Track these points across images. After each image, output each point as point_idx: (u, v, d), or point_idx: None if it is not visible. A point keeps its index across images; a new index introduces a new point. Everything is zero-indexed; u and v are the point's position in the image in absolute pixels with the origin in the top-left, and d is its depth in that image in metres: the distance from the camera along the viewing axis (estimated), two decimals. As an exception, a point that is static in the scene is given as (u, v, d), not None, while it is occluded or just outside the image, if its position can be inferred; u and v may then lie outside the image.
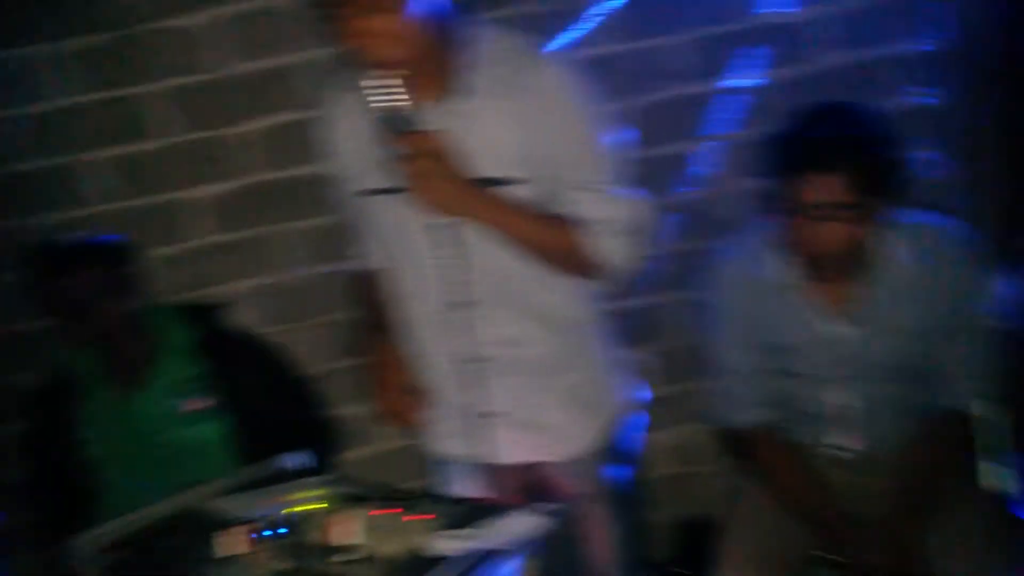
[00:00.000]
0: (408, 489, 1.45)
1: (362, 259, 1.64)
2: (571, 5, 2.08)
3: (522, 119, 1.34)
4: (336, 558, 1.17)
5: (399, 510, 1.26)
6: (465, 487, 1.55)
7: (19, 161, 2.10)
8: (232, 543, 1.22)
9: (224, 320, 2.04)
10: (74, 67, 2.05)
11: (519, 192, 1.36)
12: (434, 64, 1.33)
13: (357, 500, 1.39)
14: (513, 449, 1.51)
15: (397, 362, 1.55)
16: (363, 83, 1.27)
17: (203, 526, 1.32)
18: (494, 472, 1.54)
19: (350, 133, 1.44)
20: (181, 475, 1.87)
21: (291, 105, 2.12)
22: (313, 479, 1.51)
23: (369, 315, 1.62)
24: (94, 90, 2.06)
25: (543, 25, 2.00)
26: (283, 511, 1.34)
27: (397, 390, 1.55)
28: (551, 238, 1.39)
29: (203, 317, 2.00)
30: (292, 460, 1.64)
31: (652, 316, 2.25)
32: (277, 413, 1.98)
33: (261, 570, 1.18)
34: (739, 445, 1.84)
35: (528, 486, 1.52)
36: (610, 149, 1.40)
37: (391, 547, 1.17)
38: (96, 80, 2.06)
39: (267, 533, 1.27)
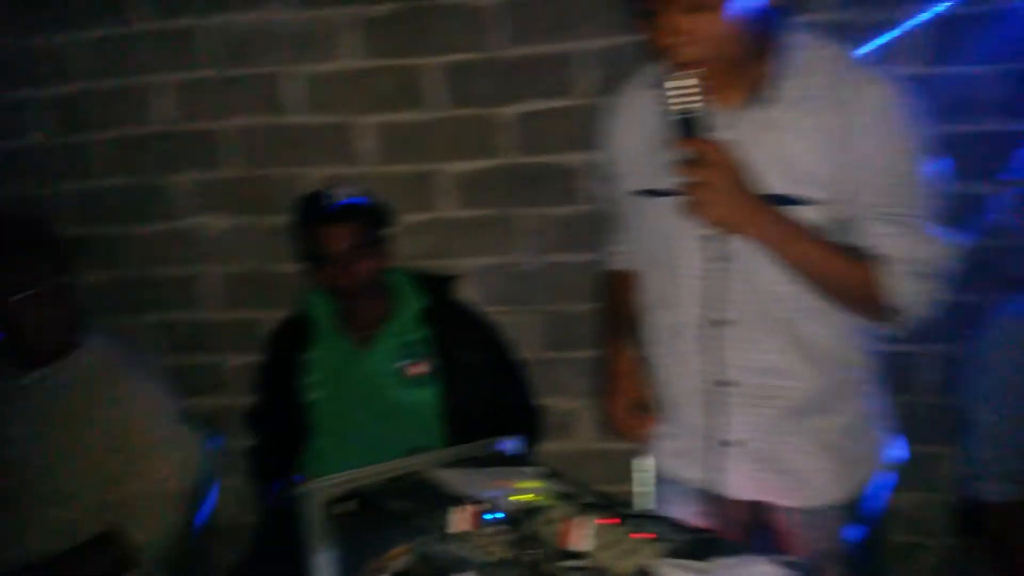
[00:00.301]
0: (621, 499, 1.39)
1: (615, 257, 1.59)
2: (878, 16, 1.92)
3: (832, 135, 1.22)
4: (567, 563, 1.12)
5: (617, 521, 1.22)
6: (684, 511, 1.47)
7: (301, 114, 2.23)
8: (460, 519, 1.21)
9: (454, 292, 2.09)
10: (359, 33, 2.14)
11: (809, 213, 1.25)
12: (742, 69, 1.24)
13: (571, 499, 1.36)
14: (747, 484, 1.40)
15: (634, 373, 1.49)
16: (662, 80, 1.21)
17: (431, 495, 1.32)
18: (719, 503, 1.44)
19: (635, 128, 1.39)
20: (391, 434, 1.95)
21: (557, 92, 2.10)
22: (531, 469, 1.49)
23: (614, 318, 1.57)
24: (373, 57, 2.14)
25: (844, 34, 1.85)
26: (506, 497, 1.33)
27: (630, 402, 1.49)
28: (839, 269, 1.26)
29: (436, 286, 2.05)
30: (509, 444, 1.64)
31: (904, 366, 2.05)
32: (488, 390, 1.99)
33: (487, 554, 1.16)
34: (982, 521, 1.64)
35: (753, 525, 1.42)
36: (928, 180, 1.26)
37: (621, 564, 1.11)
38: (376, 48, 2.14)
39: (490, 516, 1.26)
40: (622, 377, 1.50)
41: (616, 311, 1.57)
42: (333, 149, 2.24)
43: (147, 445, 1.80)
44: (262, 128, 2.26)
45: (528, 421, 2.08)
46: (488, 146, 2.17)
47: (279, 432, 2.05)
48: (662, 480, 1.56)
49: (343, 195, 1.93)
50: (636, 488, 2.00)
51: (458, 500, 1.28)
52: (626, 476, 2.29)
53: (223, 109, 2.25)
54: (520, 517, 1.24)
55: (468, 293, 2.26)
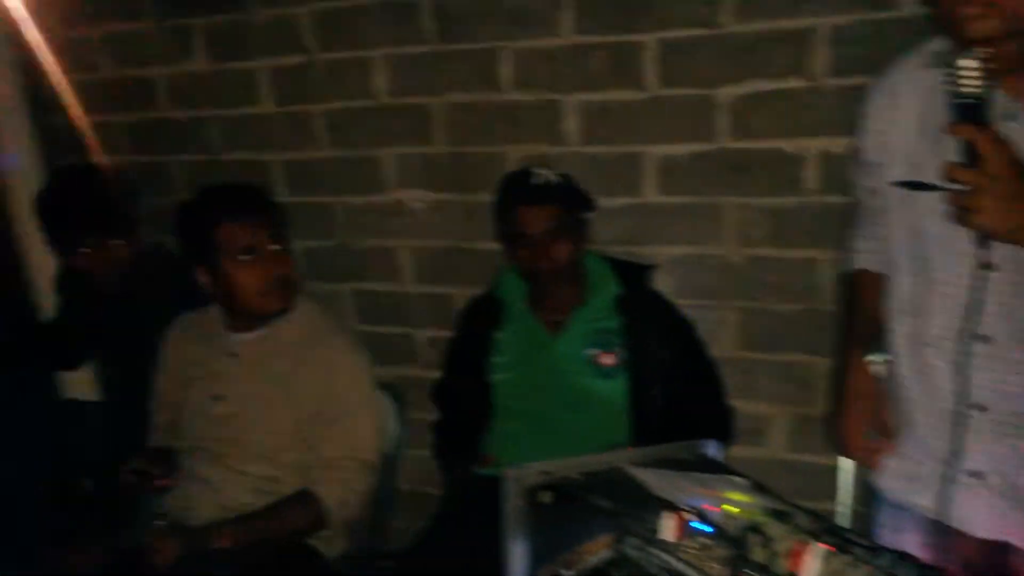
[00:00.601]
0: (839, 522, 1.27)
1: (861, 256, 1.45)
2: None
3: None
4: (793, 592, 1.02)
5: (833, 548, 1.10)
6: (908, 541, 1.33)
7: (509, 91, 2.21)
8: (667, 526, 1.14)
9: (649, 282, 2.00)
10: (575, 7, 2.08)
11: None
12: None
13: (783, 518, 1.25)
14: (986, 521, 1.25)
15: (873, 389, 1.35)
16: (949, 58, 1.06)
17: (632, 495, 1.26)
18: (951, 538, 1.29)
19: (906, 112, 1.25)
20: (576, 422, 1.90)
21: (786, 72, 1.95)
22: (739, 480, 1.40)
23: (854, 325, 1.43)
24: (588, 33, 2.08)
25: None
26: (714, 507, 1.24)
27: (865, 423, 1.35)
28: None
29: (632, 274, 1.98)
30: (711, 449, 1.54)
31: None
32: (678, 387, 1.90)
33: (702, 570, 1.08)
34: None
35: (987, 567, 1.26)
36: None
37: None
38: (592, 23, 2.07)
39: (697, 526, 1.18)
40: (859, 393, 1.37)
41: (858, 317, 1.43)
42: (539, 128, 2.20)
43: (346, 411, 1.85)
44: (471, 105, 2.26)
45: (718, 423, 1.98)
46: (701, 129, 2.05)
47: (464, 409, 2.06)
48: (886, 504, 1.41)
49: (545, 177, 1.90)
50: (839, 507, 1.86)
51: (663, 504, 1.21)
52: (816, 492, 2.15)
53: (437, 84, 2.27)
54: (733, 533, 1.15)
55: (663, 283, 2.17)
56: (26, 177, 2.42)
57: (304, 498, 1.79)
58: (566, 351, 1.93)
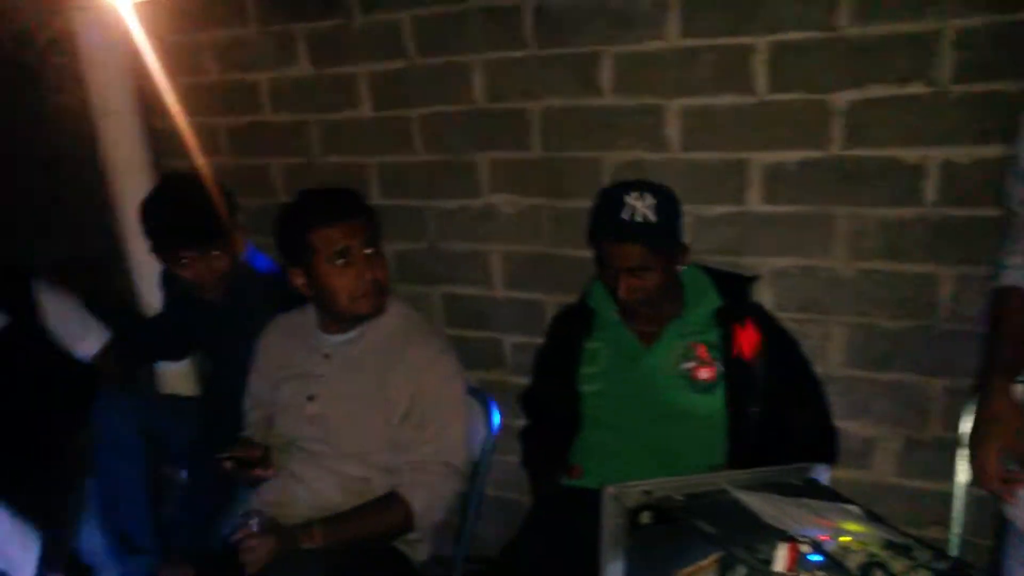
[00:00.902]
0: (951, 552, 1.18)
1: (1014, 272, 1.35)
2: None
3: None
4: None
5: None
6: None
7: (609, 96, 2.17)
8: (781, 556, 1.08)
9: (750, 294, 1.92)
10: (681, 10, 2.02)
11: None
12: None
13: (900, 551, 1.17)
14: None
15: (1016, 416, 1.25)
16: None
17: (738, 520, 1.20)
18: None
19: None
20: (670, 438, 1.83)
21: (906, 78, 1.85)
22: (851, 508, 1.32)
23: (1002, 345, 1.33)
24: (694, 36, 2.02)
25: None
26: (829, 538, 1.17)
27: (1004, 451, 1.25)
28: None
29: (733, 287, 1.90)
30: (822, 474, 1.46)
31: None
32: (780, 404, 1.81)
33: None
34: None
35: None
36: None
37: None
38: (699, 26, 2.01)
39: (812, 558, 1.11)
40: (999, 420, 1.28)
41: (1003, 338, 1.33)
42: (638, 133, 2.15)
43: (436, 414, 1.84)
44: (568, 109, 2.22)
45: (822, 444, 1.88)
46: (812, 136, 1.96)
47: (553, 418, 2.02)
48: (1019, 537, 1.30)
49: (639, 211, 1.77)
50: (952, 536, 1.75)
51: (775, 533, 1.15)
52: (924, 519, 2.03)
53: (535, 89, 2.24)
54: (851, 567, 1.08)
55: (765, 296, 2.09)
56: (136, 179, 2.51)
57: (392, 500, 1.79)
58: (660, 364, 1.86)
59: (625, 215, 1.76)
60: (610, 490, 1.23)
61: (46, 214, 3.29)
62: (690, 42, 2.02)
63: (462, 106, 2.35)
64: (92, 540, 2.26)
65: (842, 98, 1.91)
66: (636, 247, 1.76)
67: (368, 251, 1.83)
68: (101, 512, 2.21)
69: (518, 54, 2.22)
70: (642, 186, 1.80)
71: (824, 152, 1.96)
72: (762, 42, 1.94)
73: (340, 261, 1.81)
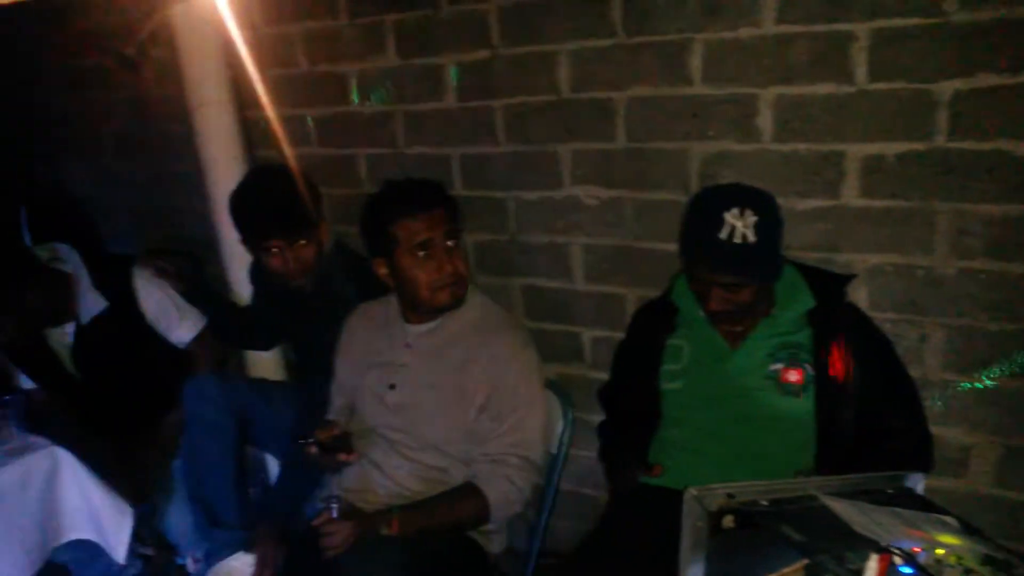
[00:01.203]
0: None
1: None
2: None
3: None
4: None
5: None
6: None
7: (698, 85, 2.11)
8: (872, 568, 1.03)
9: (845, 295, 1.84)
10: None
11: None
12: None
13: (1000, 567, 1.10)
14: None
15: None
16: None
17: (827, 528, 1.15)
18: None
19: None
20: (754, 441, 1.77)
21: (1016, 66, 1.74)
22: (947, 519, 1.25)
23: None
24: (789, 22, 1.94)
25: None
26: (923, 550, 1.11)
27: None
28: None
29: (827, 286, 1.82)
30: (916, 482, 1.39)
31: None
32: (872, 409, 1.73)
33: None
34: None
35: None
36: None
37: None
38: (794, 12, 1.93)
39: (905, 570, 1.06)
40: None
41: None
42: (727, 124, 2.08)
43: (513, 407, 1.84)
44: (655, 99, 2.17)
45: (916, 451, 1.79)
46: (914, 127, 1.86)
47: (632, 414, 1.99)
48: None
49: (738, 231, 1.66)
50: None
51: (865, 542, 1.10)
52: (1022, 531, 1.92)
53: (621, 78, 2.20)
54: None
55: (858, 294, 2.01)
56: (230, 169, 2.57)
57: (468, 492, 1.80)
58: (746, 364, 1.80)
59: (723, 234, 1.66)
60: (692, 492, 1.19)
61: (148, 202, 3.44)
62: (785, 29, 1.94)
63: (546, 96, 2.33)
64: (179, 518, 2.36)
65: (947, 87, 1.80)
66: (740, 271, 1.69)
67: (449, 243, 1.84)
68: (189, 489, 2.30)
69: (605, 43, 2.18)
70: (742, 198, 1.69)
71: (927, 144, 1.86)
72: (862, 28, 1.85)
73: (421, 253, 1.83)
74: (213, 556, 2.08)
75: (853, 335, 1.76)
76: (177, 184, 3.18)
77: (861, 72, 1.89)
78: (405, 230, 1.82)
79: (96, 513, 2.14)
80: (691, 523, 1.20)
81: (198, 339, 2.57)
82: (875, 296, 2.02)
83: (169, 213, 3.33)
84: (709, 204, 1.73)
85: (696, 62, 2.08)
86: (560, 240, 2.46)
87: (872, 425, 1.73)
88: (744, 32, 1.99)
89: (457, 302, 1.90)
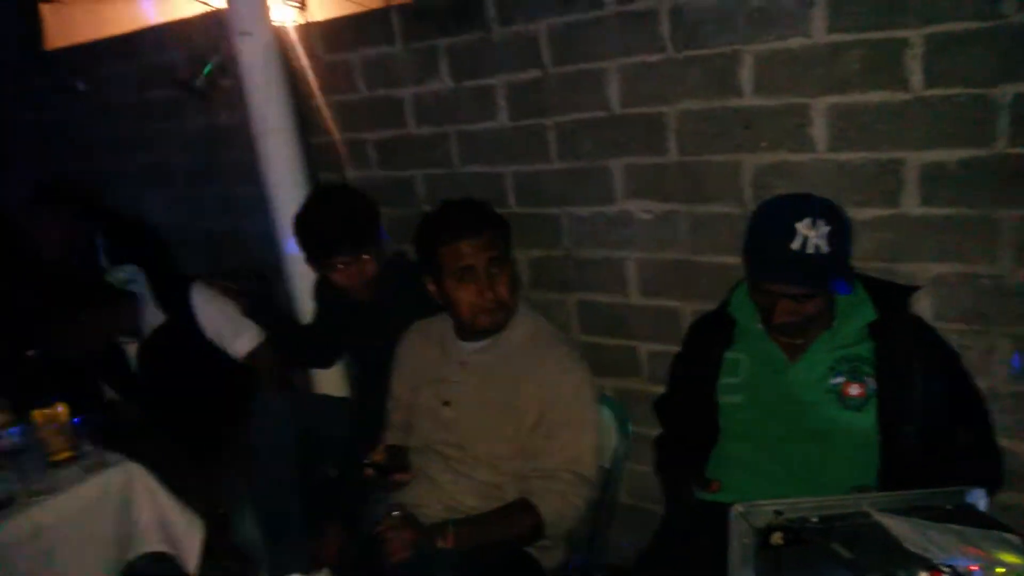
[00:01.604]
0: None
1: None
2: None
3: None
4: None
5: None
6: None
7: (749, 96, 2.10)
8: (922, 587, 1.01)
9: (908, 305, 1.79)
10: (823, 5, 1.93)
11: None
12: None
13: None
14: None
15: None
16: None
17: (879, 547, 1.13)
18: None
19: None
20: (815, 457, 1.73)
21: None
22: (1013, 538, 1.21)
23: None
24: (841, 31, 1.91)
25: None
26: (980, 568, 1.08)
27: None
28: None
29: (890, 297, 1.77)
30: (978, 498, 1.35)
31: None
32: (938, 424, 1.67)
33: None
34: None
35: None
36: None
37: None
38: (846, 20, 1.91)
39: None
40: None
41: None
42: (780, 134, 2.06)
43: (566, 423, 1.85)
44: (706, 112, 2.17)
45: (984, 467, 1.72)
46: (974, 133, 1.81)
47: (689, 428, 1.97)
48: None
49: (814, 240, 1.62)
50: None
51: (916, 560, 1.08)
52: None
53: (671, 93, 2.21)
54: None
55: (921, 305, 1.95)
56: (294, 193, 2.67)
57: (522, 508, 1.82)
58: (806, 378, 1.76)
59: (795, 245, 1.63)
60: (738, 508, 1.19)
61: (219, 226, 3.59)
62: (836, 37, 1.91)
63: (597, 113, 2.35)
64: (249, 531, 2.44)
65: (1008, 91, 1.75)
66: (805, 281, 1.66)
67: (493, 270, 1.88)
68: (256, 506, 2.37)
69: (654, 58, 2.19)
70: (814, 208, 1.66)
71: (987, 150, 1.81)
72: (916, 35, 1.81)
73: (464, 278, 1.87)
74: (277, 572, 2.14)
75: (918, 347, 1.72)
76: (245, 208, 3.31)
77: (916, 79, 1.85)
78: (449, 255, 1.87)
79: (169, 526, 2.23)
80: (738, 540, 1.19)
81: (256, 352, 2.65)
82: (939, 306, 1.96)
83: (238, 236, 3.47)
84: (779, 215, 1.70)
85: (746, 74, 2.07)
86: (615, 255, 2.46)
87: (938, 440, 1.68)
88: (794, 42, 1.97)
89: (496, 327, 1.93)
